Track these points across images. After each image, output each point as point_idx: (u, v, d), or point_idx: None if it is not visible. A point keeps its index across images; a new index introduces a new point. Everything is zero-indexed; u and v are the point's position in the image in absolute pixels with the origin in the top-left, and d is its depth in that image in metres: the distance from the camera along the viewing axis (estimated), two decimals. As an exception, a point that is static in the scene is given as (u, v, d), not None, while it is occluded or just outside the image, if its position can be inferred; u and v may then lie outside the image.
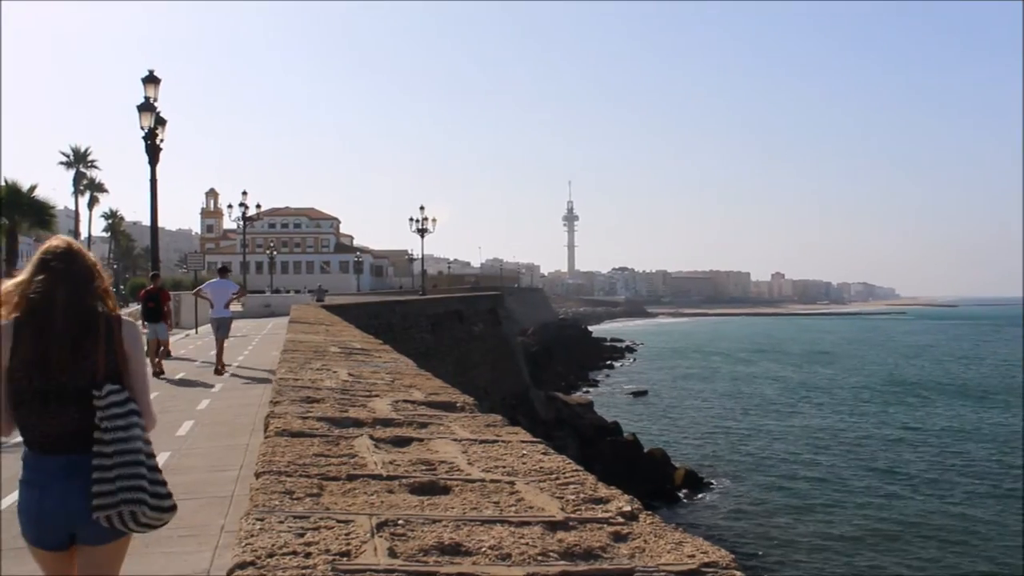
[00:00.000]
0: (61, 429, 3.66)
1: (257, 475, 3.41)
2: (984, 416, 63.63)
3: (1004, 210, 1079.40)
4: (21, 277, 3.79)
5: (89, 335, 3.74)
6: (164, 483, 3.78)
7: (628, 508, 3.03)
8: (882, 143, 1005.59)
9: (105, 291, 3.92)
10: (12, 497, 8.89)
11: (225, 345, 20.57)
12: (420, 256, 74.80)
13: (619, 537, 2.74)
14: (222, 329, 20.50)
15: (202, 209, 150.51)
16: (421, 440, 4.26)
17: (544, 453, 3.96)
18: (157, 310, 20.58)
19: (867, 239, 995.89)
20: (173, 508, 3.80)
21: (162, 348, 20.48)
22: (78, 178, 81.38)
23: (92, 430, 3.65)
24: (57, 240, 3.95)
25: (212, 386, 17.89)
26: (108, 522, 3.62)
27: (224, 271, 22.05)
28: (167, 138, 26.04)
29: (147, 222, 28.42)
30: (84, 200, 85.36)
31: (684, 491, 39.51)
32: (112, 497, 3.60)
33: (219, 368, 19.94)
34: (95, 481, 3.61)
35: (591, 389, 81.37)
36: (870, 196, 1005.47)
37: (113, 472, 3.60)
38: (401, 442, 4.20)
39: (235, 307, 24.90)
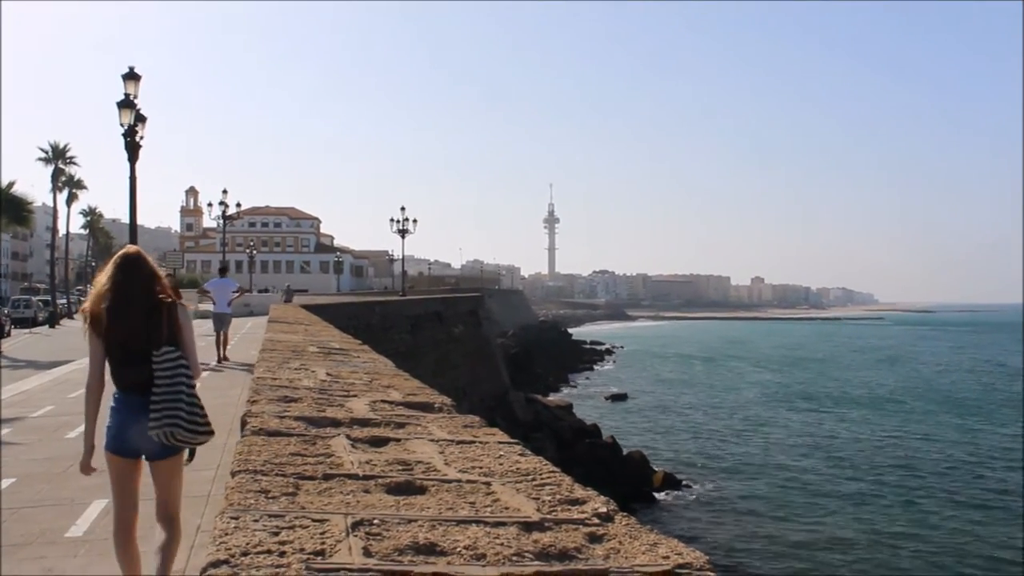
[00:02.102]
0: (139, 378, 5.29)
1: (233, 474, 3.40)
2: (964, 422, 64.03)
3: (982, 218, 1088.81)
4: (105, 276, 5.46)
5: (156, 317, 5.37)
6: (202, 415, 5.34)
7: (604, 509, 3.03)
8: (863, 149, 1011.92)
9: (164, 285, 5.58)
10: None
11: (224, 337, 22.41)
12: (400, 257, 74.61)
13: (594, 538, 2.75)
14: (224, 324, 22.44)
15: (182, 207, 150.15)
16: (398, 440, 4.26)
17: (521, 454, 3.96)
18: None
19: (846, 245, 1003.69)
20: (208, 433, 5.41)
21: None
22: (56, 175, 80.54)
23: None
24: (127, 249, 5.67)
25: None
26: (157, 439, 5.20)
27: (224, 271, 24.95)
28: (147, 135, 25.92)
29: (126, 220, 28.27)
30: (63, 197, 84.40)
31: (662, 493, 39.61)
32: (158, 422, 5.18)
33: (222, 358, 21.97)
34: (150, 411, 5.20)
35: (570, 391, 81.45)
36: (850, 202, 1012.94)
37: (160, 406, 5.19)
38: (378, 442, 4.20)
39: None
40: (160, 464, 5.50)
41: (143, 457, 5.48)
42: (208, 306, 24.41)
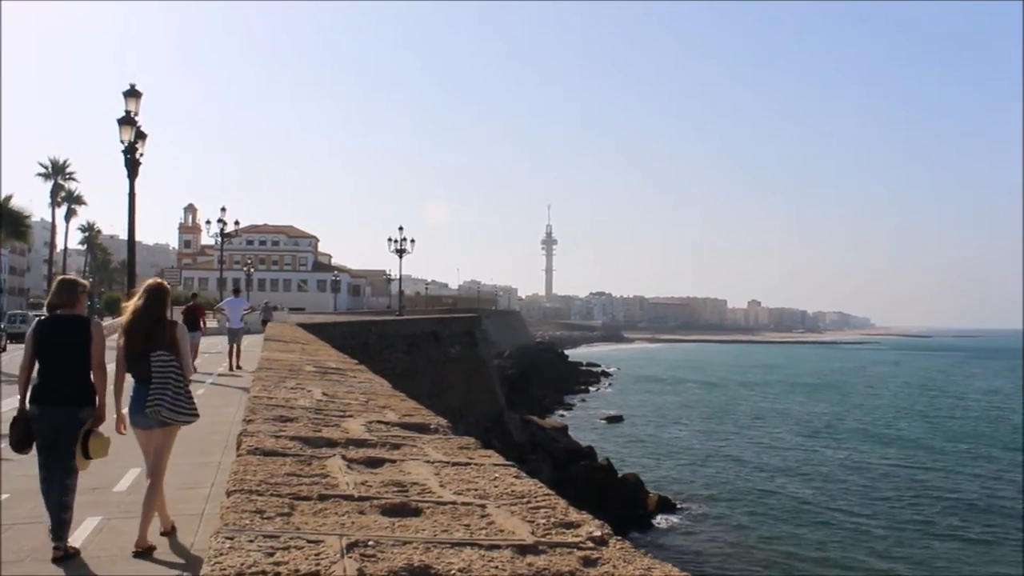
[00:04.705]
0: (149, 373, 7.42)
1: (228, 493, 3.40)
2: (961, 448, 64.00)
3: (980, 243, 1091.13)
4: (136, 300, 7.76)
5: (163, 330, 7.64)
6: (188, 401, 7.57)
7: (598, 533, 3.04)
8: (860, 174, 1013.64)
9: (164, 310, 7.83)
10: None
11: (237, 348, 25.37)
12: (398, 276, 74.57)
13: (588, 562, 2.75)
14: (236, 337, 25.49)
15: (180, 224, 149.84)
16: (394, 461, 4.26)
17: (516, 477, 3.97)
18: (194, 321, 23.84)
19: (843, 269, 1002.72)
20: (192, 415, 7.62)
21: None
22: (56, 190, 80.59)
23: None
24: (153, 281, 8.03)
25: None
26: (150, 415, 7.36)
27: (237, 291, 29.30)
28: (147, 152, 25.95)
29: (124, 236, 28.43)
30: (61, 212, 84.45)
31: (657, 516, 39.52)
32: (150, 404, 7.33)
33: (234, 366, 24.75)
34: (149, 393, 7.37)
35: (566, 413, 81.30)
36: (847, 227, 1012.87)
37: (153, 393, 7.34)
38: (374, 463, 4.20)
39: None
40: (160, 432, 7.55)
41: (155, 427, 7.51)
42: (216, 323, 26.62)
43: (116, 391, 7.59)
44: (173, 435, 7.69)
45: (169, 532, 7.66)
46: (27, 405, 7.37)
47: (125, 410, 7.64)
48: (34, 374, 7.42)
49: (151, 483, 7.43)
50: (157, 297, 7.79)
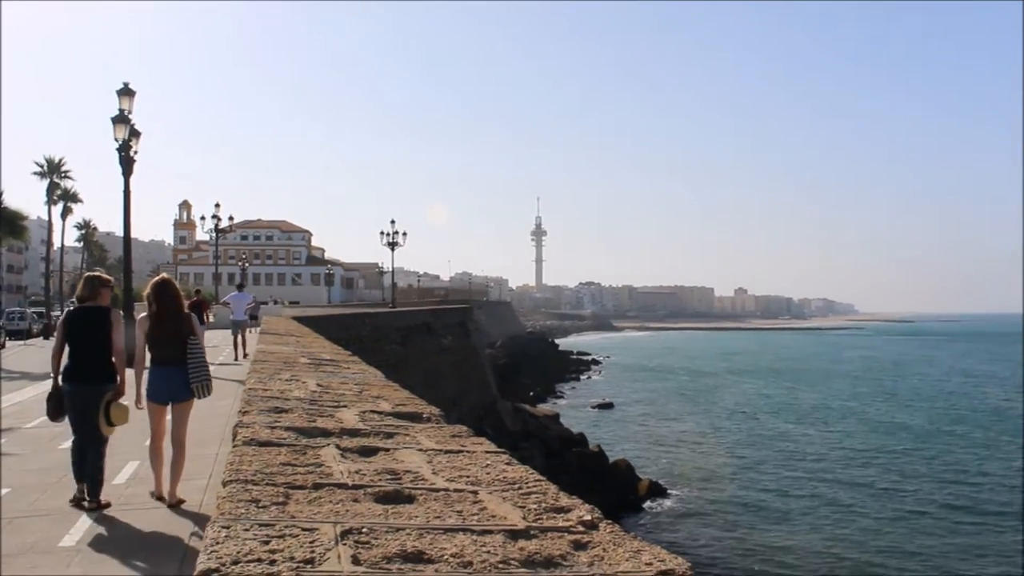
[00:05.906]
0: (169, 355, 8.67)
1: (224, 484, 3.44)
2: (947, 430, 64.19)
3: (963, 230, 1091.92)
4: (147, 292, 8.86)
5: (182, 321, 8.82)
6: (210, 377, 8.86)
7: (588, 517, 3.08)
8: (843, 162, 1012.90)
9: (182, 302, 9.11)
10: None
11: (242, 339, 27.35)
12: (391, 269, 74.38)
13: (579, 545, 2.79)
14: (240, 328, 27.56)
15: (175, 220, 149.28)
16: (387, 450, 4.30)
17: (507, 463, 4.01)
18: (199, 315, 23.50)
19: (827, 256, 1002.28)
20: (210, 390, 8.86)
21: None
22: (51, 188, 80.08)
23: (183, 356, 8.68)
24: (160, 277, 9.17)
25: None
26: (195, 391, 8.69)
27: (241, 286, 32.05)
28: (141, 149, 25.96)
29: (120, 233, 28.40)
30: (57, 210, 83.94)
31: (648, 501, 39.69)
32: (199, 379, 8.67)
33: (242, 355, 26.09)
34: (190, 374, 8.65)
35: (558, 401, 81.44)
36: (831, 214, 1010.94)
37: (199, 370, 8.69)
38: (367, 452, 4.24)
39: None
40: (179, 406, 8.79)
41: (169, 403, 8.73)
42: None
43: (137, 374, 8.82)
44: (191, 405, 8.93)
45: (175, 504, 8.49)
46: (60, 383, 8.68)
47: (143, 390, 8.81)
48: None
49: (176, 450, 8.70)
50: (175, 294, 8.97)
